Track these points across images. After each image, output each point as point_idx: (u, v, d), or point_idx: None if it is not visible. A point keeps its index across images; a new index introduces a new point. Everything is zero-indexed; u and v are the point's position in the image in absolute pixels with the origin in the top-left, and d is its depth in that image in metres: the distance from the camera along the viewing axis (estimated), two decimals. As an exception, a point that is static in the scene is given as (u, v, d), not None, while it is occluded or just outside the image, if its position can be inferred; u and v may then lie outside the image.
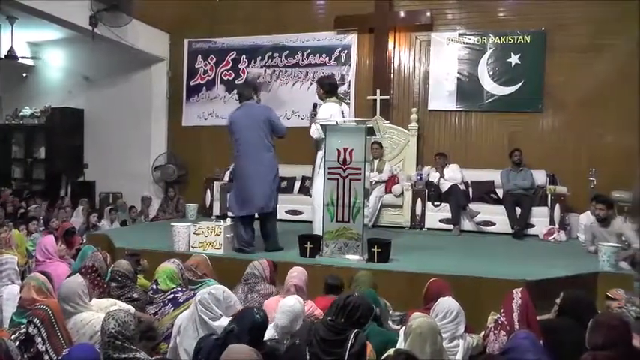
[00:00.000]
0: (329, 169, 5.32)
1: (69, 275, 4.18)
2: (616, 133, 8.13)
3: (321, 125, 5.46)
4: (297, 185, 8.93)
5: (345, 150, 5.26)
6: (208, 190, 9.08)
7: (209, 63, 10.20)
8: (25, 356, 3.03)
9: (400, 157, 8.63)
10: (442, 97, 8.90)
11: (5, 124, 11.39)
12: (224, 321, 3.08)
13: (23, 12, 7.97)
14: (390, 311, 4.13)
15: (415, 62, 9.15)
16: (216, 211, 8.80)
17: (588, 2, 8.17)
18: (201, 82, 10.26)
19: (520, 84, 8.50)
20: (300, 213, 8.40)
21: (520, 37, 8.52)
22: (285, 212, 8.21)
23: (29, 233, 7.07)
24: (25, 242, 6.48)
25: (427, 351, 2.78)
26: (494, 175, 8.10)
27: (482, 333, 3.59)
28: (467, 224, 7.78)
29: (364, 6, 9.17)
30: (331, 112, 5.82)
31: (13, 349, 2.83)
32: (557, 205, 7.52)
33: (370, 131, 5.38)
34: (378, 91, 8.83)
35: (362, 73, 9.30)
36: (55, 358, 3.00)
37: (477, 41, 8.74)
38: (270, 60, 9.81)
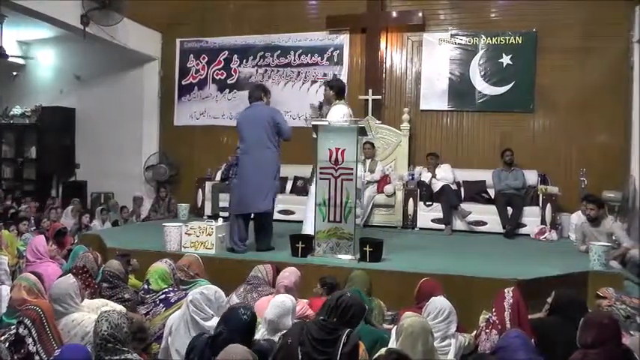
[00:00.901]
0: (321, 168, 5.32)
1: (60, 276, 4.16)
2: (606, 134, 8.19)
3: (312, 125, 5.46)
4: (289, 185, 8.92)
5: (337, 150, 5.26)
6: (200, 190, 9.06)
7: (201, 62, 10.18)
8: (15, 357, 3.00)
9: (392, 156, 8.64)
10: (434, 97, 8.93)
11: (-5, 123, 11.32)
12: (215, 321, 3.07)
13: (14, 10, 7.92)
14: (384, 311, 4.13)
15: (407, 62, 9.16)
16: (207, 210, 8.77)
17: (579, 4, 8.21)
18: (193, 81, 10.24)
19: (511, 84, 8.54)
20: (292, 213, 8.39)
21: (512, 37, 8.55)
22: (278, 212, 8.19)
23: (20, 233, 7.02)
24: (15, 242, 6.45)
25: (419, 350, 2.79)
26: (485, 175, 8.13)
27: (474, 332, 3.60)
28: (458, 224, 7.80)
29: (356, 6, 9.18)
30: (343, 113, 5.82)
31: (2, 350, 2.82)
32: (549, 204, 7.55)
33: (362, 131, 5.39)
34: (370, 91, 8.85)
35: (354, 73, 9.31)
36: (45, 359, 2.98)
37: (469, 42, 8.77)
38: (262, 60, 9.80)
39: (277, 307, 3.33)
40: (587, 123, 8.25)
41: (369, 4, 9.13)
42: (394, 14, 9.12)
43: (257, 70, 9.81)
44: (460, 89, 8.80)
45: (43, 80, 11.34)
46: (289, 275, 4.11)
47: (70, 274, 3.92)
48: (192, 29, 10.24)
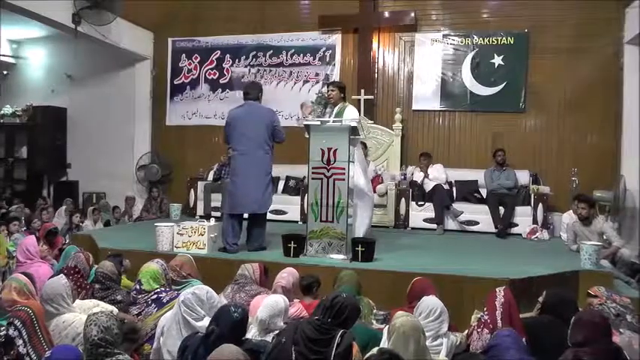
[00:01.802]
0: (313, 168, 5.32)
1: (52, 276, 4.13)
2: (597, 134, 8.24)
3: (305, 125, 5.45)
4: (281, 185, 8.91)
5: (329, 150, 5.26)
6: (192, 190, 9.03)
7: (193, 62, 10.16)
8: (5, 359, 2.98)
9: (384, 156, 8.65)
10: (426, 98, 8.95)
11: (-14, 123, 11.23)
12: (207, 321, 3.07)
13: (4, 9, 7.84)
14: (374, 310, 4.14)
15: (399, 62, 9.18)
16: (200, 210, 8.75)
17: (570, 5, 8.27)
18: (186, 81, 10.22)
19: (503, 85, 8.57)
20: (284, 213, 8.39)
21: (503, 38, 8.58)
22: (270, 212, 8.16)
23: (10, 234, 6.97)
24: (5, 243, 6.41)
25: (410, 350, 2.79)
26: (477, 175, 8.16)
27: (466, 331, 3.61)
28: (451, 223, 7.82)
29: (348, 6, 9.19)
30: (356, 115, 5.86)
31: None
32: (540, 204, 7.59)
33: (354, 131, 5.39)
34: (362, 91, 8.85)
35: (346, 72, 9.31)
36: (36, 360, 2.97)
37: (461, 42, 8.80)
38: (254, 59, 9.79)
39: (270, 307, 3.32)
40: (578, 123, 8.31)
41: (361, 4, 9.14)
42: (386, 14, 9.13)
43: (249, 70, 9.80)
44: (452, 89, 8.83)
45: (34, 79, 11.28)
46: (287, 276, 4.10)
47: (61, 275, 3.90)
48: (185, 29, 10.21)
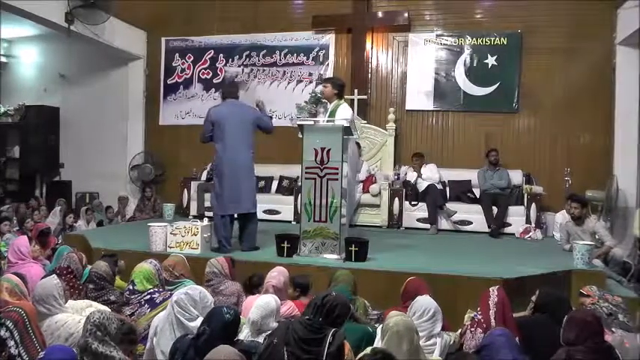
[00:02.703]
0: (306, 168, 5.31)
1: (44, 276, 4.11)
2: (590, 134, 8.28)
3: (298, 124, 5.45)
4: (274, 185, 8.91)
5: (323, 149, 5.26)
6: (186, 190, 9.02)
7: (187, 61, 10.13)
8: (-3, 360, 2.97)
9: (378, 156, 8.66)
10: (419, 98, 8.96)
11: (-23, 122, 11.16)
12: (200, 322, 3.06)
13: (-4, 8, 7.84)
14: (369, 310, 4.14)
15: (393, 62, 9.19)
16: (193, 210, 8.73)
17: (563, 5, 8.30)
18: (179, 80, 10.19)
19: (496, 85, 8.59)
20: (277, 212, 8.38)
21: (496, 38, 8.61)
22: (263, 212, 8.19)
23: (1, 234, 6.94)
24: (-5, 243, 6.36)
25: (404, 349, 2.79)
26: (471, 175, 8.19)
27: (459, 331, 3.62)
28: (444, 223, 7.83)
29: (342, 6, 9.20)
30: (350, 114, 5.85)
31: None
32: (533, 204, 7.62)
33: (348, 131, 5.39)
34: (356, 90, 8.86)
35: (340, 72, 9.27)
36: (28, 362, 2.95)
37: (454, 42, 8.81)
38: (247, 59, 9.78)
39: (261, 308, 3.32)
40: (571, 123, 8.34)
41: (354, 4, 9.15)
42: (380, 14, 9.14)
43: (243, 70, 9.79)
44: (445, 89, 8.85)
45: (26, 79, 11.22)
46: (277, 275, 4.09)
47: (54, 275, 3.88)
48: (178, 28, 10.19)
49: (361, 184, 8.13)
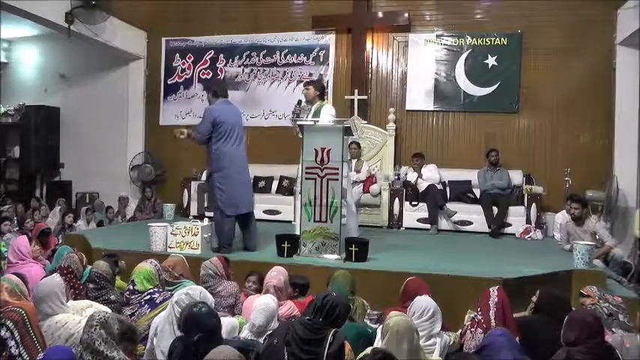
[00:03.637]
0: (306, 168, 5.31)
1: (44, 277, 4.11)
2: (590, 134, 8.28)
3: (298, 125, 5.45)
4: (275, 185, 8.91)
5: (323, 149, 5.25)
6: (186, 190, 9.03)
7: (187, 62, 10.13)
8: (-3, 361, 2.97)
9: (378, 156, 8.66)
10: (420, 98, 8.96)
11: (-22, 122, 11.16)
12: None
13: (-5, 8, 7.83)
14: (368, 310, 4.15)
15: (393, 63, 9.19)
16: (193, 210, 8.74)
17: (563, 6, 8.30)
18: (179, 80, 10.19)
19: (497, 85, 8.59)
20: (278, 212, 8.38)
21: (497, 38, 8.61)
22: (263, 212, 8.19)
23: (1, 234, 6.94)
24: (-5, 244, 6.36)
25: (404, 349, 2.79)
26: (471, 175, 8.19)
27: (459, 331, 3.62)
28: (444, 223, 7.84)
29: (342, 6, 9.19)
30: (333, 113, 5.91)
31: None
32: (534, 204, 7.62)
33: (347, 131, 5.39)
34: (356, 91, 8.86)
35: (340, 73, 9.32)
36: (29, 362, 2.95)
37: (455, 42, 8.81)
38: (248, 59, 9.77)
39: (264, 311, 3.33)
40: (571, 123, 8.34)
41: (354, 4, 9.15)
42: (380, 15, 9.13)
43: (243, 70, 9.79)
44: (446, 90, 8.85)
45: (26, 79, 11.22)
46: (277, 275, 4.10)
47: (56, 274, 3.89)
48: (178, 28, 10.19)
49: (361, 185, 8.12)
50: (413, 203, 8.01)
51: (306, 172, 5.31)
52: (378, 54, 9.23)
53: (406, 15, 8.90)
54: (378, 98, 9.18)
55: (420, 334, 3.09)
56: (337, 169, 5.23)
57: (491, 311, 3.43)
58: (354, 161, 8.16)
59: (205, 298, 3.34)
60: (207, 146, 5.74)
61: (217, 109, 5.75)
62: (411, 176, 8.23)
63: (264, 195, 8.48)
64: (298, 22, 9.54)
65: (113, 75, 10.51)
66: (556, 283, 4.64)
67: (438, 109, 8.91)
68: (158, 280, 4.12)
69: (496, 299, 3.47)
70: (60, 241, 6.56)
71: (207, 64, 10.00)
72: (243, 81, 9.72)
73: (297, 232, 5.60)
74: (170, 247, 5.53)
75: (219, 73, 9.91)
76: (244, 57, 9.78)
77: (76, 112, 10.64)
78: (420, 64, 8.95)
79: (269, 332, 3.17)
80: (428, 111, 8.97)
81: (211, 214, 7.96)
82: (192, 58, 10.10)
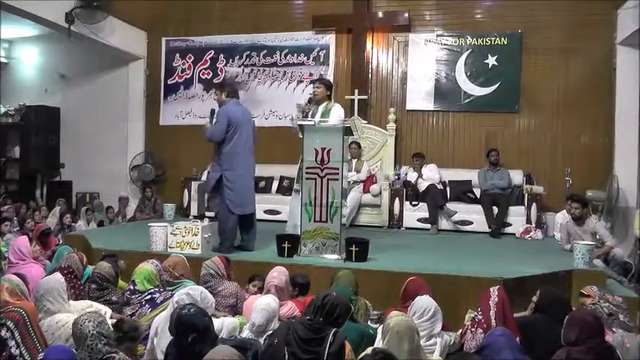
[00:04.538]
0: (307, 168, 5.31)
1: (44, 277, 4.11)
2: (590, 134, 8.28)
3: (299, 125, 5.44)
4: (275, 185, 8.91)
5: (323, 149, 5.25)
6: (186, 190, 9.02)
7: (187, 62, 10.12)
8: (-3, 361, 2.97)
9: (378, 156, 8.65)
10: (420, 98, 8.96)
11: (-22, 122, 11.15)
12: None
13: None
14: (370, 310, 4.15)
15: (393, 63, 9.19)
16: (193, 211, 8.74)
17: (563, 5, 8.30)
18: (179, 80, 10.18)
19: (497, 85, 8.58)
20: (278, 213, 8.38)
21: (497, 38, 8.60)
22: (264, 212, 8.19)
23: (2, 234, 6.94)
24: (-5, 244, 6.36)
25: (404, 349, 2.80)
26: (471, 175, 8.19)
27: (460, 331, 3.62)
28: (444, 223, 7.83)
29: (342, 6, 9.19)
30: (342, 113, 5.89)
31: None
32: (534, 204, 7.62)
33: (348, 131, 5.39)
34: (356, 91, 8.86)
35: (340, 73, 9.31)
36: (29, 362, 2.95)
37: (455, 42, 8.81)
38: (248, 59, 9.77)
39: (264, 311, 3.33)
40: (571, 123, 8.34)
41: (355, 4, 9.14)
42: (380, 14, 9.13)
43: (243, 70, 9.78)
44: (446, 89, 8.84)
45: (26, 79, 11.22)
46: (278, 275, 4.10)
47: (57, 272, 3.89)
48: (178, 28, 10.18)
49: (362, 185, 8.14)
50: (413, 203, 8.01)
51: (307, 172, 5.31)
52: (379, 54, 9.23)
53: (406, 15, 8.89)
54: (379, 98, 9.18)
55: (421, 334, 3.10)
56: (337, 169, 5.22)
57: (491, 311, 3.43)
58: (354, 161, 8.20)
59: (206, 299, 3.35)
60: (217, 146, 5.73)
61: (231, 109, 5.76)
62: (412, 176, 8.23)
63: (265, 195, 8.48)
64: (298, 22, 9.54)
65: (113, 75, 10.50)
66: (556, 283, 4.64)
67: (438, 109, 8.91)
68: (159, 280, 4.12)
69: (496, 299, 3.47)
70: (60, 241, 6.56)
71: (208, 64, 9.99)
72: (244, 81, 9.71)
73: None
74: (170, 247, 5.53)
75: (220, 73, 9.90)
76: (244, 57, 9.77)
77: (76, 112, 10.63)
78: (420, 64, 8.95)
79: (269, 332, 3.17)
80: (428, 111, 8.96)
81: (211, 214, 8.00)
82: (193, 58, 10.09)
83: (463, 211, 7.78)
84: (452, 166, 8.55)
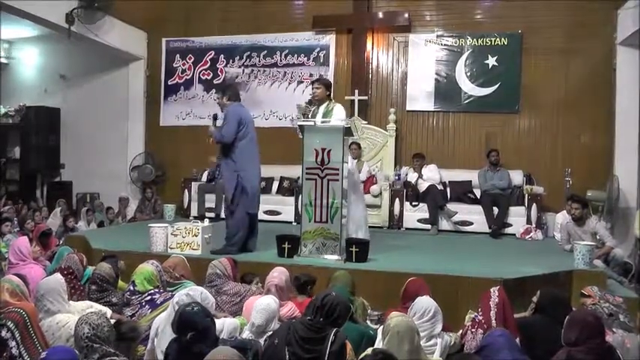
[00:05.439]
0: (307, 169, 5.31)
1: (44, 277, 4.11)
2: (590, 134, 8.28)
3: (299, 125, 5.44)
4: (275, 185, 8.91)
5: (323, 150, 5.25)
6: (186, 191, 9.03)
7: (187, 62, 10.13)
8: (-2, 361, 2.97)
9: (378, 157, 8.66)
10: (420, 98, 8.96)
11: (-22, 123, 11.15)
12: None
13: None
14: (369, 311, 4.15)
15: (393, 63, 9.19)
16: (194, 211, 8.73)
17: (563, 6, 8.31)
18: (180, 81, 10.19)
19: (497, 85, 8.59)
20: (278, 213, 8.39)
21: (497, 39, 8.61)
22: (264, 212, 8.18)
23: (2, 235, 6.93)
24: (-5, 244, 6.36)
25: (405, 350, 2.79)
26: (471, 175, 8.19)
27: (460, 332, 3.62)
28: (445, 224, 7.83)
29: (342, 6, 9.20)
30: (344, 114, 5.83)
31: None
32: (534, 204, 7.62)
33: (348, 131, 5.38)
34: (357, 91, 8.86)
35: (340, 73, 9.32)
36: (29, 363, 2.95)
37: (455, 43, 8.81)
38: (248, 60, 9.77)
39: (264, 312, 3.33)
40: (571, 123, 8.35)
41: (355, 4, 9.15)
42: (380, 15, 9.14)
43: (243, 70, 9.78)
44: (446, 90, 8.84)
45: (26, 79, 11.22)
46: (279, 275, 4.09)
47: (57, 273, 3.89)
48: (178, 29, 10.19)
49: (362, 185, 8.12)
50: (413, 203, 8.02)
51: (307, 173, 5.31)
52: (379, 54, 9.23)
53: (406, 15, 8.90)
54: (379, 98, 9.18)
55: (421, 334, 3.10)
56: (337, 169, 5.22)
57: (491, 312, 3.43)
58: (354, 162, 8.18)
59: (206, 299, 3.35)
60: (229, 146, 5.67)
61: (240, 110, 5.78)
62: (412, 176, 8.23)
63: (265, 195, 8.44)
64: (299, 23, 9.54)
65: (113, 75, 10.51)
66: (556, 284, 4.64)
67: (438, 109, 8.91)
68: (159, 281, 4.12)
69: (497, 300, 3.47)
70: (61, 242, 6.56)
71: (208, 64, 10.00)
72: (244, 82, 9.71)
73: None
74: (170, 248, 5.53)
75: (220, 73, 9.91)
76: (245, 57, 9.78)
77: (76, 113, 10.64)
78: (420, 64, 8.95)
79: (269, 333, 3.17)
80: (428, 111, 8.97)
81: (212, 214, 8.01)
82: (193, 59, 10.10)
83: (463, 211, 7.78)
84: (452, 166, 8.55)
